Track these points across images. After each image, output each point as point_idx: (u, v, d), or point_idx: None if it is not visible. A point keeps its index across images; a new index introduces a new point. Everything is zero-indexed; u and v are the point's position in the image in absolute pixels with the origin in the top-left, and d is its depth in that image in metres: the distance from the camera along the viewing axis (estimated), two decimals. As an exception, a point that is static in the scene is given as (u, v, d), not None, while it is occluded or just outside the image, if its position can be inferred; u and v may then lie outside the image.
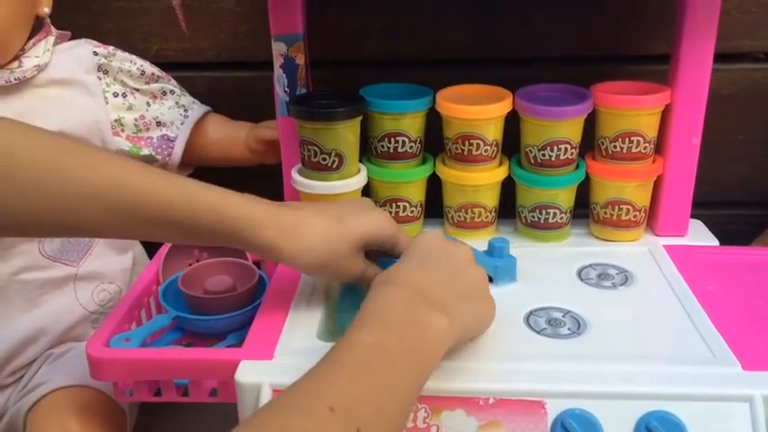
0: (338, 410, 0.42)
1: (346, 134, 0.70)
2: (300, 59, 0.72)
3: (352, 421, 0.42)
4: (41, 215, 0.52)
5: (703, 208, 0.80)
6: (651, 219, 0.77)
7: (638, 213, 0.74)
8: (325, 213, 0.59)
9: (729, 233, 0.81)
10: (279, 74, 0.72)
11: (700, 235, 0.77)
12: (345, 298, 0.66)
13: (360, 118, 0.71)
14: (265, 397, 0.54)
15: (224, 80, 0.87)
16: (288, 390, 0.44)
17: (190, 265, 0.74)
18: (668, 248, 0.73)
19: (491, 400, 0.53)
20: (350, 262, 0.59)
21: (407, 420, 0.52)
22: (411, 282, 0.52)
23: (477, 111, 0.71)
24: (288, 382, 0.53)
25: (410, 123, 0.73)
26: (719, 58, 0.71)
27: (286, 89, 0.72)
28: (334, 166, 0.71)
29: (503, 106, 0.71)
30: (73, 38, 0.79)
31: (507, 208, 0.78)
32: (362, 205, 0.62)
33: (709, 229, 0.79)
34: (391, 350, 0.47)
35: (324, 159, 0.70)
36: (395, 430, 0.45)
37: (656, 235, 0.76)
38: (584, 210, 0.78)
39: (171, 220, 0.54)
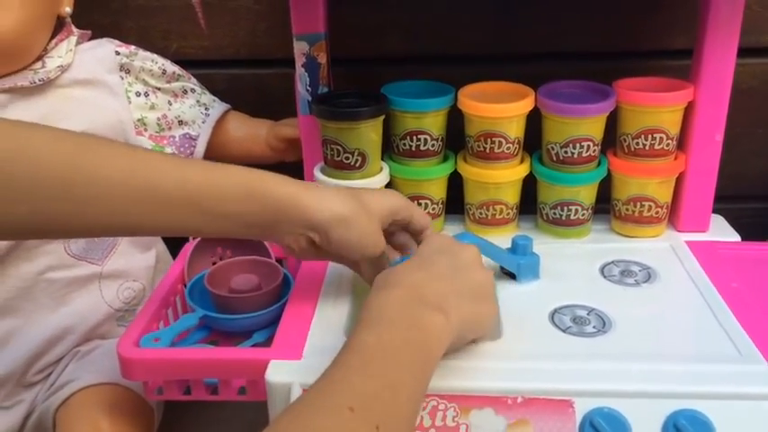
0: (358, 410, 0.43)
1: (369, 133, 0.70)
2: (322, 58, 0.72)
3: (371, 419, 0.43)
4: (61, 215, 0.52)
5: (723, 202, 0.80)
6: (673, 214, 0.77)
7: (660, 210, 0.75)
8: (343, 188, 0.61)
9: (749, 227, 0.81)
10: (301, 73, 0.72)
11: (721, 230, 0.77)
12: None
13: (382, 117, 0.71)
14: (296, 396, 0.55)
15: (243, 77, 0.87)
16: (307, 393, 0.46)
17: (214, 263, 0.74)
18: (690, 244, 0.73)
19: (519, 399, 0.53)
20: (372, 228, 0.59)
21: (418, 415, 0.53)
22: (409, 282, 0.53)
23: (500, 109, 0.71)
24: (318, 382, 0.55)
25: (432, 121, 0.73)
26: (741, 52, 0.71)
27: (308, 88, 0.73)
28: (357, 165, 0.71)
29: (525, 104, 0.71)
30: (93, 37, 0.80)
31: (527, 204, 0.79)
32: (375, 189, 0.64)
33: (729, 223, 0.79)
34: (396, 349, 0.48)
35: (347, 158, 0.71)
36: (408, 425, 0.47)
37: (678, 231, 0.77)
38: (603, 204, 0.78)
39: (190, 199, 0.54)
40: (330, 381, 0.46)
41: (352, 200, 0.58)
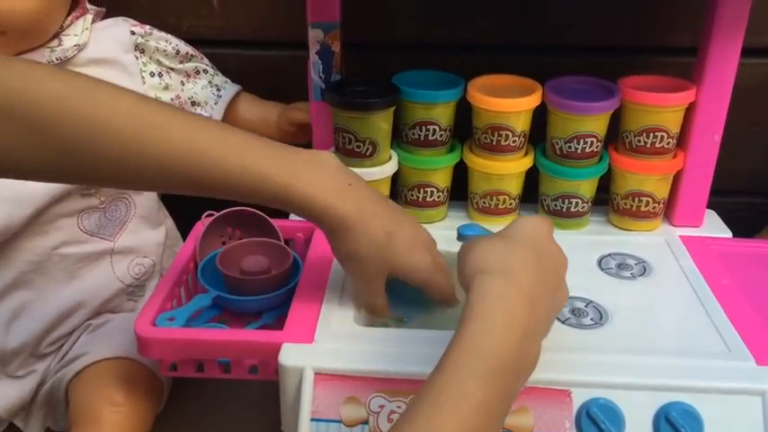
0: None
1: (380, 123, 0.72)
2: (336, 47, 0.73)
3: None
4: (44, 156, 0.51)
5: (716, 195, 0.82)
6: (668, 209, 0.79)
7: (657, 205, 0.77)
8: (381, 218, 0.57)
9: (740, 221, 0.84)
10: (314, 60, 0.74)
11: (714, 226, 0.80)
12: None
13: (394, 107, 0.73)
14: (308, 379, 0.57)
15: (255, 59, 0.88)
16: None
17: (223, 242, 0.76)
18: (684, 239, 0.76)
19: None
20: (373, 264, 0.58)
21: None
22: (527, 288, 0.46)
23: (508, 103, 0.73)
24: (329, 367, 0.57)
25: (441, 112, 0.75)
26: (742, 52, 0.73)
27: (321, 75, 0.74)
28: (368, 154, 0.73)
29: (533, 99, 0.73)
30: (107, 14, 0.80)
31: (528, 191, 0.81)
32: (416, 240, 0.60)
33: (721, 216, 0.82)
34: (497, 410, 0.42)
35: (358, 147, 0.72)
36: None
37: (673, 225, 0.79)
38: (602, 195, 0.81)
39: (191, 176, 0.53)
40: None
41: (373, 246, 0.56)
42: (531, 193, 0.81)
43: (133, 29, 0.78)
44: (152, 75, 0.78)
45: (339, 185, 0.56)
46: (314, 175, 0.55)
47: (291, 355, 0.59)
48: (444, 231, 0.68)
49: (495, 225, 0.74)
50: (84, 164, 0.52)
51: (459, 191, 0.82)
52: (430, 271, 0.60)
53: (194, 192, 0.55)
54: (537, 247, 0.49)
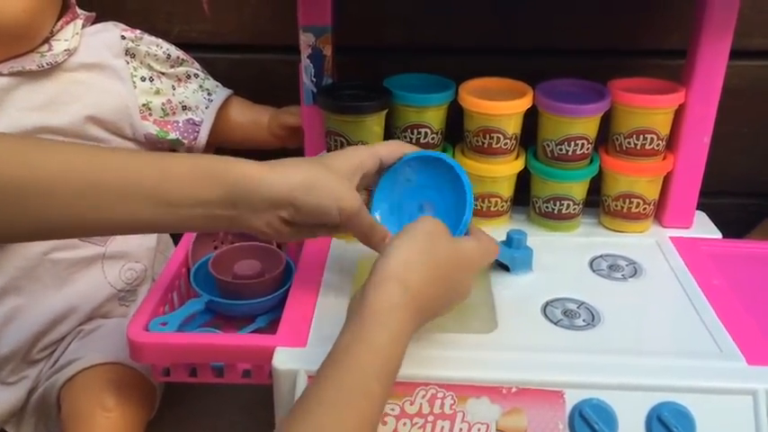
0: None
1: (373, 126, 0.72)
2: (328, 50, 0.73)
3: None
4: (17, 217, 0.51)
5: (705, 196, 0.82)
6: (659, 210, 0.80)
7: (647, 207, 0.78)
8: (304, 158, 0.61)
9: (730, 221, 0.85)
10: (306, 64, 0.74)
11: (704, 227, 0.80)
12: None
13: (386, 111, 0.73)
14: (301, 383, 0.57)
15: (245, 63, 0.88)
16: (293, 422, 0.45)
17: (215, 247, 0.76)
18: (674, 240, 0.77)
19: (513, 389, 0.56)
20: (339, 184, 0.57)
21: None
22: (421, 299, 0.52)
23: (499, 106, 0.73)
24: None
25: (433, 116, 0.75)
26: (729, 54, 0.74)
27: (313, 79, 0.74)
28: (360, 157, 0.73)
29: (524, 102, 0.73)
30: (97, 19, 0.80)
31: (519, 194, 0.81)
32: (340, 150, 0.62)
33: (711, 218, 0.82)
34: (383, 405, 0.49)
35: (350, 150, 0.72)
36: None
37: (663, 226, 0.80)
38: (592, 197, 0.81)
39: (141, 188, 0.52)
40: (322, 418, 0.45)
41: (313, 164, 0.57)
42: (523, 196, 0.81)
43: (123, 34, 0.77)
44: (143, 79, 0.78)
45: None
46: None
47: (285, 359, 0.59)
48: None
49: (487, 228, 0.74)
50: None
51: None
52: (370, 149, 0.62)
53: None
54: (465, 266, 0.56)
